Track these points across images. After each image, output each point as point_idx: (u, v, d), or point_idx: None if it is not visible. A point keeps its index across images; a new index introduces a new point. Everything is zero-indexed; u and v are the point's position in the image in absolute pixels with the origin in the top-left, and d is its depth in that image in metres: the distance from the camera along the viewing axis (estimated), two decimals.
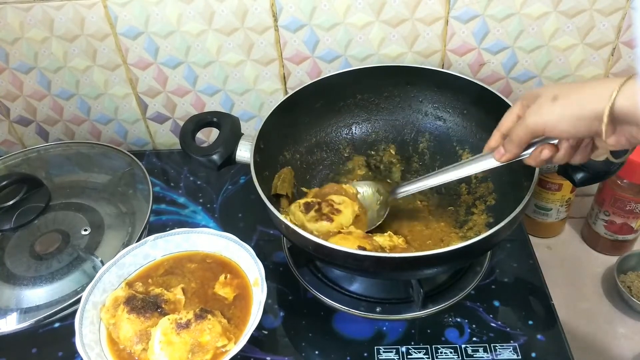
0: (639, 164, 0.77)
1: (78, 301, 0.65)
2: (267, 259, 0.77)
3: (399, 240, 0.70)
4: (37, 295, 0.71)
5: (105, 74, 0.91)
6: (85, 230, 0.77)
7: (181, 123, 0.93)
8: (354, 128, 0.85)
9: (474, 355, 0.64)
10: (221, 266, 0.70)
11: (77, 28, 0.85)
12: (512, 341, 0.66)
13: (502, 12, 0.79)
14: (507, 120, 0.57)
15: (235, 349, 0.59)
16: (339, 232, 0.70)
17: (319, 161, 0.83)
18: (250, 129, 0.96)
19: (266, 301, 0.63)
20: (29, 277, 0.73)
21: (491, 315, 0.69)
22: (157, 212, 0.86)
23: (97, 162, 0.89)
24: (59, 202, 0.81)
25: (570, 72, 0.84)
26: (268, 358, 0.66)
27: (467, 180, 0.79)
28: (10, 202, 0.79)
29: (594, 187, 0.90)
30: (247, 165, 0.68)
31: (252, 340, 0.60)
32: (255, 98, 0.92)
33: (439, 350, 0.65)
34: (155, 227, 0.82)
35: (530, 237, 0.80)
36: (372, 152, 0.85)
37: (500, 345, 0.65)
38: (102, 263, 0.71)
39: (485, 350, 0.65)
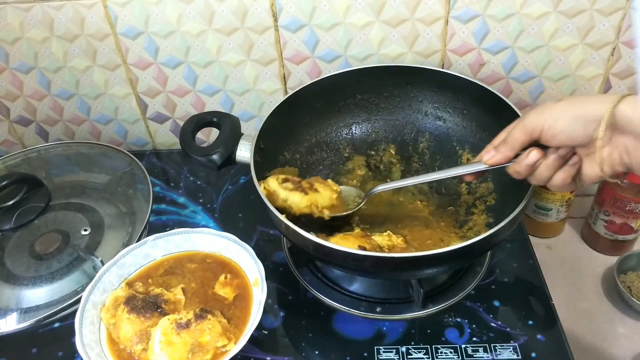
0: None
1: (78, 301, 0.65)
2: (267, 259, 0.77)
3: (398, 240, 0.70)
4: (37, 295, 0.71)
5: (105, 74, 0.91)
6: (85, 230, 0.77)
7: (181, 123, 0.93)
8: (354, 128, 0.85)
9: (474, 355, 0.64)
10: (221, 266, 0.70)
11: (77, 28, 0.85)
12: (512, 341, 0.66)
13: (502, 12, 0.79)
14: (501, 135, 0.57)
15: (235, 349, 0.59)
16: (311, 211, 0.68)
17: (319, 161, 0.83)
18: (250, 129, 0.96)
19: (266, 301, 0.63)
20: (29, 277, 0.73)
21: (491, 315, 0.69)
22: (157, 212, 0.86)
23: (97, 162, 0.89)
24: (59, 202, 0.81)
25: (570, 72, 0.84)
26: (268, 358, 0.66)
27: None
28: (10, 202, 0.79)
29: (594, 187, 0.90)
30: (247, 165, 0.68)
31: (252, 340, 0.60)
32: (255, 98, 0.92)
33: (439, 350, 0.65)
34: (155, 227, 0.82)
35: (530, 237, 0.80)
36: (372, 152, 0.85)
37: (500, 345, 0.65)
38: (102, 263, 0.71)
39: (485, 350, 0.65)
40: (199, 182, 0.92)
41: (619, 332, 0.81)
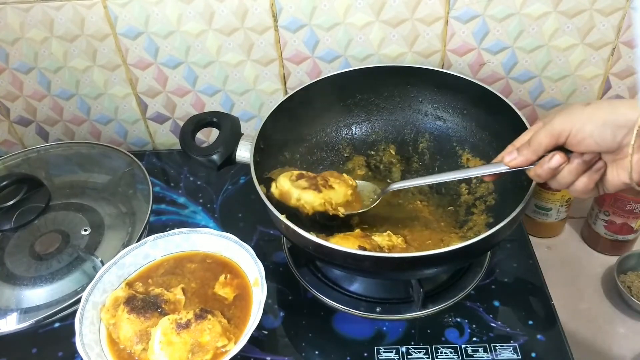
0: None
1: (78, 301, 0.65)
2: (267, 259, 0.77)
3: (398, 240, 0.70)
4: (37, 295, 0.71)
5: (105, 74, 0.91)
6: (85, 230, 0.77)
7: (181, 123, 0.93)
8: (354, 128, 0.85)
9: (474, 355, 0.64)
10: (221, 266, 0.70)
11: (77, 28, 0.85)
12: (512, 341, 0.66)
13: (502, 12, 0.79)
14: (525, 136, 0.56)
15: (235, 349, 0.59)
16: (325, 209, 0.66)
17: (319, 161, 0.83)
18: (250, 129, 0.96)
19: (266, 301, 0.63)
20: (29, 277, 0.73)
21: (491, 315, 0.69)
22: (157, 212, 0.86)
23: (97, 162, 0.89)
24: (59, 202, 0.81)
25: (570, 72, 0.84)
26: (268, 358, 0.66)
27: (467, 180, 0.79)
28: (10, 202, 0.79)
29: None
30: (247, 165, 0.68)
31: (252, 340, 0.60)
32: (255, 98, 0.92)
33: (439, 350, 0.65)
34: (155, 227, 0.82)
35: (530, 237, 0.80)
36: (372, 152, 0.85)
37: (500, 345, 0.65)
38: (102, 263, 0.71)
39: (485, 350, 0.65)
40: (199, 182, 0.92)
41: (619, 332, 0.81)
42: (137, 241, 0.71)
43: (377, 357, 0.65)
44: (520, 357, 0.64)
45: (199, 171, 0.93)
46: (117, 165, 0.86)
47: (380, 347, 0.66)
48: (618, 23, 0.78)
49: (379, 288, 0.73)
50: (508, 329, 0.67)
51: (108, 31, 0.85)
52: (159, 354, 0.59)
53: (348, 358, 0.65)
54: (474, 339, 0.66)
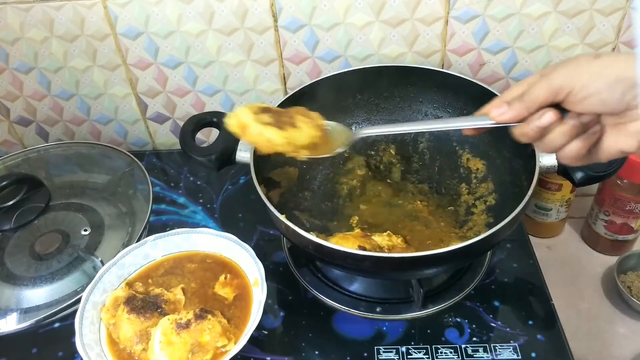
0: (639, 164, 0.77)
1: (78, 301, 0.65)
2: (267, 259, 0.77)
3: (397, 240, 0.70)
4: (37, 295, 0.71)
5: (105, 74, 0.91)
6: (85, 230, 0.77)
7: (181, 123, 0.93)
8: (354, 128, 0.85)
9: (474, 355, 0.64)
10: (221, 266, 0.70)
11: (77, 28, 0.85)
12: (512, 341, 0.66)
13: (502, 12, 0.79)
14: (517, 88, 0.48)
15: (235, 349, 0.59)
16: (285, 150, 0.58)
17: (319, 161, 0.83)
18: None
19: (266, 301, 0.63)
20: (29, 277, 0.73)
21: (491, 315, 0.69)
22: (157, 212, 0.86)
23: (97, 162, 0.89)
24: (59, 202, 0.81)
25: None
26: (268, 358, 0.66)
27: (467, 180, 0.79)
28: (10, 202, 0.79)
29: (594, 187, 0.90)
30: (247, 165, 0.68)
31: (252, 340, 0.60)
32: (255, 98, 0.92)
33: (439, 350, 0.65)
34: (155, 227, 0.82)
35: (530, 237, 0.80)
36: (372, 152, 0.85)
37: (500, 345, 0.65)
38: (102, 263, 0.71)
39: (485, 350, 0.65)
40: (199, 182, 0.92)
41: (619, 332, 0.81)
42: (137, 241, 0.71)
43: (377, 357, 0.65)
44: (520, 357, 0.64)
45: (199, 171, 0.93)
46: (117, 165, 0.86)
47: (380, 347, 0.66)
48: (618, 23, 0.78)
49: (379, 288, 0.73)
50: (508, 329, 0.67)
51: (108, 31, 0.85)
52: (159, 354, 0.59)
53: (348, 358, 0.65)
54: (474, 339, 0.66)
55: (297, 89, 0.77)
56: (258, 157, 0.70)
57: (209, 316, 0.61)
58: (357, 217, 0.77)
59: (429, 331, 0.68)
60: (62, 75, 0.91)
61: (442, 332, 0.67)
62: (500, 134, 0.73)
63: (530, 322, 0.68)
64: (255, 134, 0.57)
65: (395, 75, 0.80)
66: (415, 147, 0.84)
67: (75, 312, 0.63)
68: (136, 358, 0.62)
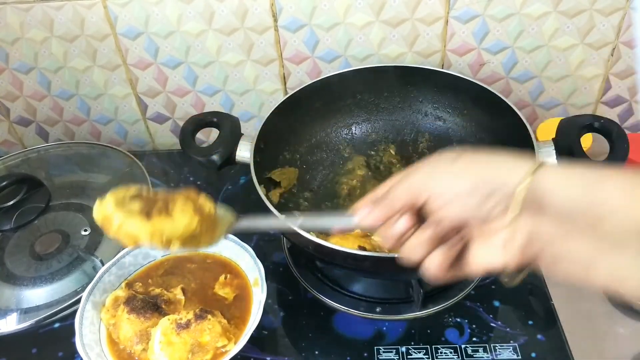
0: (638, 164, 0.77)
1: (78, 301, 0.65)
2: (267, 259, 0.77)
3: None
4: (37, 295, 0.71)
5: (105, 74, 0.91)
6: (85, 230, 0.77)
7: (181, 123, 0.93)
8: (354, 128, 0.85)
9: (474, 355, 0.64)
10: (221, 266, 0.70)
11: (77, 28, 0.85)
12: (512, 341, 0.66)
13: (502, 12, 0.79)
14: (383, 187, 0.43)
15: (235, 349, 0.59)
16: (152, 241, 0.48)
17: (319, 161, 0.83)
18: (250, 129, 0.96)
19: (266, 301, 0.63)
20: (29, 277, 0.73)
21: (491, 315, 0.69)
22: None
23: (97, 162, 0.89)
24: (59, 202, 0.81)
25: (570, 72, 0.84)
26: (268, 358, 0.66)
27: None
28: (10, 202, 0.79)
29: None
30: (247, 165, 0.68)
31: (252, 340, 0.60)
32: (255, 98, 0.92)
33: (439, 350, 0.65)
34: None
35: None
36: (372, 152, 0.85)
37: (500, 345, 0.65)
38: (102, 263, 0.71)
39: (485, 350, 0.65)
40: (199, 182, 0.92)
41: (619, 332, 0.80)
42: None
43: (377, 357, 0.65)
44: (520, 357, 0.64)
45: (199, 171, 0.93)
46: (117, 165, 0.86)
47: (380, 347, 0.66)
48: (618, 23, 0.78)
49: (379, 288, 0.73)
50: (508, 329, 0.67)
51: (108, 31, 0.85)
52: (159, 354, 0.59)
53: (348, 358, 0.65)
54: (474, 339, 0.66)
55: (297, 89, 0.77)
56: (258, 157, 0.70)
57: (209, 316, 0.61)
58: None
59: (429, 331, 0.68)
60: (62, 76, 0.91)
61: (442, 332, 0.67)
62: (500, 135, 0.73)
63: (530, 322, 0.68)
64: (116, 226, 0.47)
65: (395, 75, 0.80)
66: (415, 147, 0.84)
67: (75, 312, 0.63)
68: (136, 358, 0.62)
